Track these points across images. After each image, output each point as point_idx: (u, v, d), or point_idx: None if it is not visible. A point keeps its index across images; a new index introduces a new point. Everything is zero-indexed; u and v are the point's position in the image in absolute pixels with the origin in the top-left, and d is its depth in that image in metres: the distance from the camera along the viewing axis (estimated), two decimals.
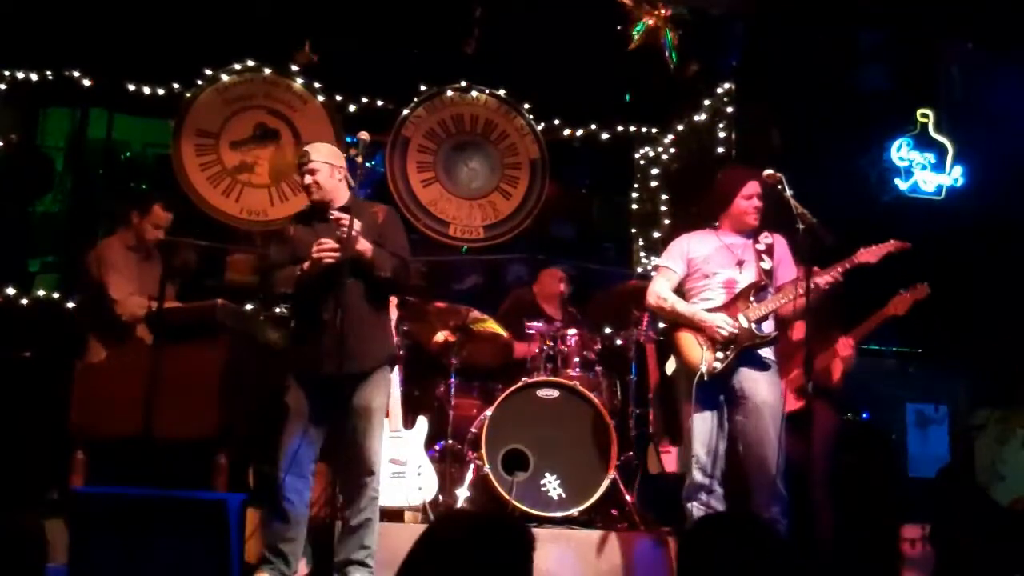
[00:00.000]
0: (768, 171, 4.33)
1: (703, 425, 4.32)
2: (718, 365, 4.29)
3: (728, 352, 4.30)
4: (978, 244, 6.49)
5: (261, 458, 4.82)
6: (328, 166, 4.26)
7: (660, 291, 4.54)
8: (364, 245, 4.07)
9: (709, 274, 4.47)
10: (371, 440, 4.15)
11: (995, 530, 4.80)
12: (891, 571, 5.14)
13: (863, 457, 5.66)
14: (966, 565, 4.70)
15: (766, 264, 4.43)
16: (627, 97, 7.07)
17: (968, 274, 6.28)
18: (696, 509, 4.28)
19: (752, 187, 4.50)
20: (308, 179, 4.25)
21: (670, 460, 5.60)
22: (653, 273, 4.92)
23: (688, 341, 4.39)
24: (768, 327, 4.37)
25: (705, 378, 4.29)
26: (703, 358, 4.30)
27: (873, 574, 5.14)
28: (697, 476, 4.32)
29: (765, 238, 4.49)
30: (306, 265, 4.07)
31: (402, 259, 4.25)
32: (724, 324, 4.31)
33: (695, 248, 4.57)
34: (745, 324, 4.32)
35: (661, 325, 6.66)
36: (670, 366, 4.57)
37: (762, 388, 4.30)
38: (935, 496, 5.71)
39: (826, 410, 4.92)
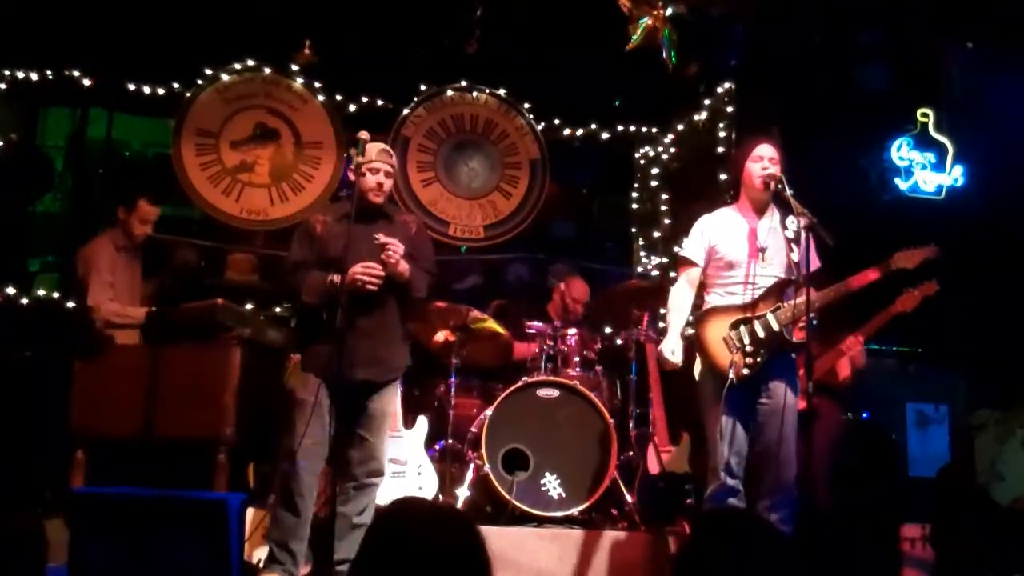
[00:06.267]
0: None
1: (732, 429, 4.13)
2: (747, 371, 4.11)
3: (758, 358, 4.11)
4: (978, 244, 6.48)
5: (262, 458, 4.82)
6: (393, 172, 4.18)
7: (673, 293, 4.37)
8: (404, 267, 4.03)
9: (732, 263, 4.22)
10: (383, 443, 4.19)
11: (995, 530, 4.79)
12: (891, 571, 5.14)
13: (863, 457, 5.66)
14: (966, 565, 4.69)
15: (795, 255, 4.09)
16: (617, 102, 7.08)
17: (968, 274, 6.27)
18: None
19: (763, 148, 4.25)
20: (373, 180, 4.08)
21: (670, 460, 5.60)
22: (673, 274, 4.67)
23: (715, 343, 4.17)
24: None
25: (735, 384, 4.10)
26: (732, 362, 4.11)
27: (873, 573, 5.14)
28: (726, 480, 4.15)
29: (791, 222, 4.15)
30: (337, 279, 3.95)
31: (432, 275, 4.23)
32: (668, 358, 4.23)
33: (715, 232, 4.30)
34: (776, 327, 4.10)
35: (661, 325, 6.69)
36: (698, 367, 4.32)
37: (785, 391, 4.14)
38: (935, 496, 5.71)
39: (831, 408, 4.89)
